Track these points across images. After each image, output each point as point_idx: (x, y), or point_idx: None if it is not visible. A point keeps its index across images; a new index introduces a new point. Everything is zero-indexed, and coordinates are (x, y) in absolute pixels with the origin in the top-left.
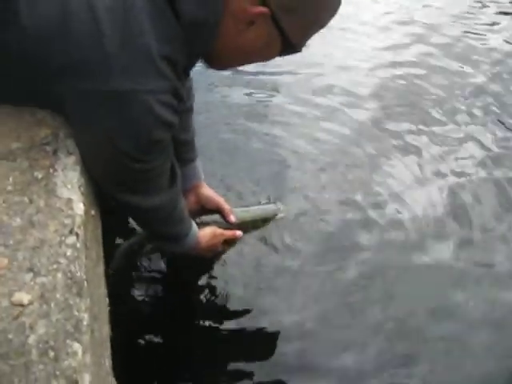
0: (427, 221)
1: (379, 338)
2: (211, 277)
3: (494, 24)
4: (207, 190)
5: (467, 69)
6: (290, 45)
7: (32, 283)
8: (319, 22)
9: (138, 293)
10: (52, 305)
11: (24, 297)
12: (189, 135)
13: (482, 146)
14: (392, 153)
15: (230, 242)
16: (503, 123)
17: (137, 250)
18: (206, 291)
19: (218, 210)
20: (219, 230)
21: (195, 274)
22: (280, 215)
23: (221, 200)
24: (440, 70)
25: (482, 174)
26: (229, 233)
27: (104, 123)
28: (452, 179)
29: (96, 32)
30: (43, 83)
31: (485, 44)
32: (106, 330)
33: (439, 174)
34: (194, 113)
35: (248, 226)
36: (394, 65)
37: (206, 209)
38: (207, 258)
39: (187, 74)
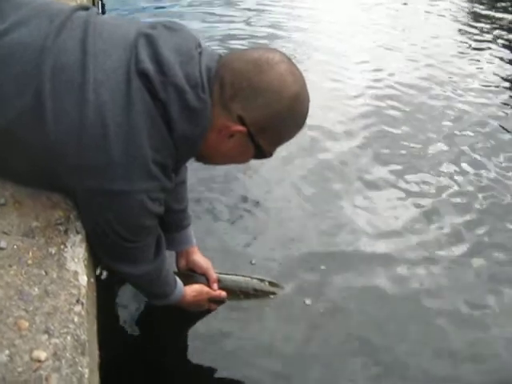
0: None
1: None
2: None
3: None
4: (197, 256)
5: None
6: (262, 153)
7: (47, 343)
8: (288, 136)
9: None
10: (63, 362)
11: (41, 354)
12: (182, 205)
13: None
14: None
15: (216, 301)
16: (485, 160)
17: None
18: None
19: (205, 276)
20: (206, 289)
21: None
22: (273, 294)
23: (209, 267)
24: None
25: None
26: (215, 293)
27: (105, 213)
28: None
29: (104, 146)
30: (59, 175)
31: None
32: (96, 378)
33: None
34: None
35: (237, 293)
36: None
37: (194, 271)
38: (191, 312)
39: (177, 171)
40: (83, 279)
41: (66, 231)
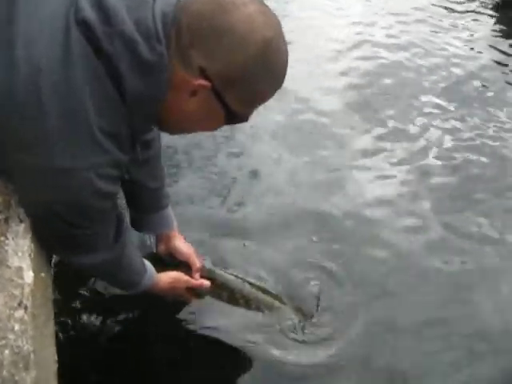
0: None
1: None
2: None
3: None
4: (178, 242)
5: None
6: (234, 115)
7: None
8: (261, 94)
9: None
10: None
11: None
12: (157, 183)
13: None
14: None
15: (197, 292)
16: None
17: None
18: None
19: (188, 263)
20: (185, 277)
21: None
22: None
23: (191, 253)
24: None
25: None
26: (196, 282)
27: (47, 196)
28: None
29: (39, 105)
30: None
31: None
32: None
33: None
34: None
35: (223, 291)
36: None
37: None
38: (168, 299)
39: (139, 141)
40: (29, 276)
41: (6, 220)
